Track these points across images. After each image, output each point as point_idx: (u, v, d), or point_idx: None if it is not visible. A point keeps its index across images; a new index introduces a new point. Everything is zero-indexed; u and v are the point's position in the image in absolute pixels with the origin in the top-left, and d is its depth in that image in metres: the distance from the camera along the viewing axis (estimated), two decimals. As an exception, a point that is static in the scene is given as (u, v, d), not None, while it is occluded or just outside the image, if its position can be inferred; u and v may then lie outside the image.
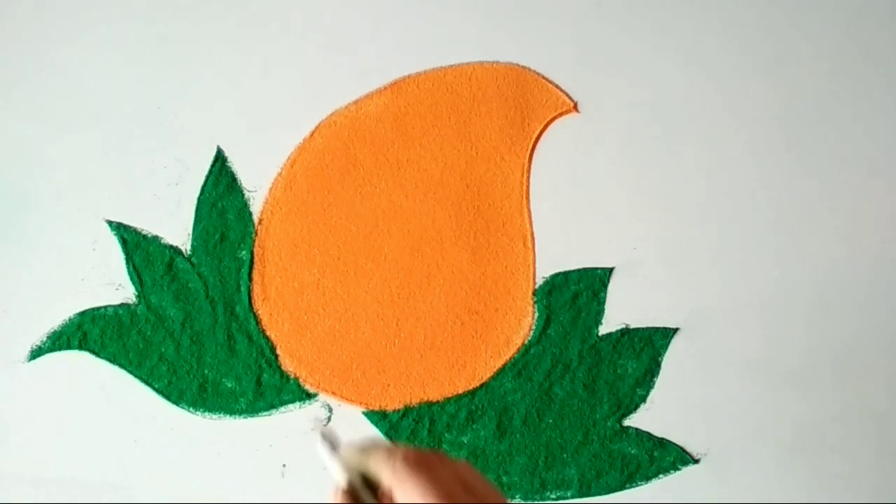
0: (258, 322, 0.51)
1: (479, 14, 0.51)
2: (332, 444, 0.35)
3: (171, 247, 0.51)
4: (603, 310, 0.50)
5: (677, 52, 0.51)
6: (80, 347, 0.51)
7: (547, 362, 0.50)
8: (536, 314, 0.50)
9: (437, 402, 0.50)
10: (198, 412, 0.50)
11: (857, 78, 0.50)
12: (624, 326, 0.50)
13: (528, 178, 0.51)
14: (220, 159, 0.51)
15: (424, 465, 0.34)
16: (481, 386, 0.50)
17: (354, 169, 0.51)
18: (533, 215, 0.51)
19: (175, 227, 0.51)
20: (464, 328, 0.50)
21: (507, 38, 0.51)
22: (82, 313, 0.51)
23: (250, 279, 0.51)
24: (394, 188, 0.51)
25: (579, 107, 0.51)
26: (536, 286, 0.50)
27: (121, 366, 0.51)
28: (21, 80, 0.52)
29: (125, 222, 0.51)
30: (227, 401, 0.50)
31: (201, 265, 0.51)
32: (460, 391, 0.50)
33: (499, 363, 0.50)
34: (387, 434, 0.49)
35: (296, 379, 0.50)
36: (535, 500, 0.50)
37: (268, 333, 0.50)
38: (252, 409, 0.50)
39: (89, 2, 0.52)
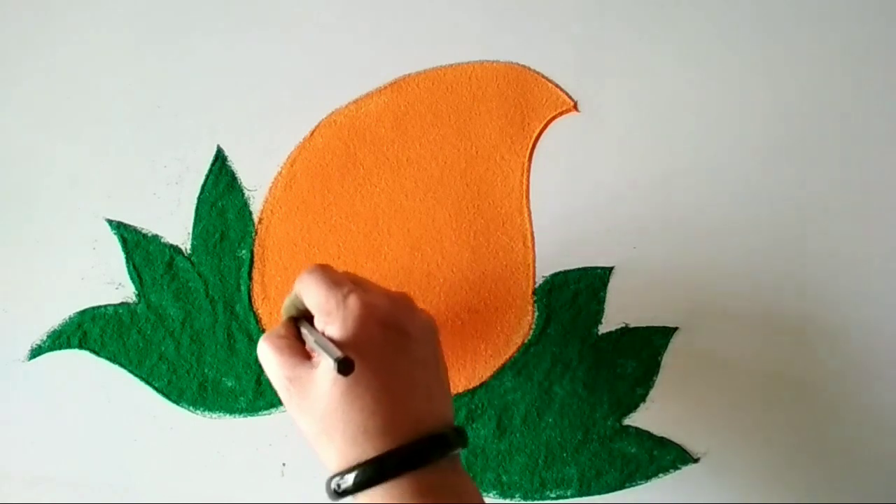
0: (258, 321, 0.51)
1: (478, 13, 0.51)
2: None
3: (171, 246, 0.51)
4: (603, 309, 0.50)
5: (678, 52, 0.51)
6: (80, 346, 0.51)
7: (547, 361, 0.50)
8: (536, 313, 0.50)
9: (437, 401, 0.50)
10: (198, 411, 0.50)
11: (862, 78, 0.50)
12: (624, 326, 0.50)
13: (528, 177, 0.51)
14: (220, 158, 0.51)
15: (318, 266, 0.41)
16: (481, 385, 0.50)
17: (354, 168, 0.51)
18: (533, 215, 0.51)
19: (175, 226, 0.51)
20: (464, 327, 0.50)
21: (507, 37, 0.51)
22: (82, 312, 0.51)
23: (250, 278, 0.51)
24: (394, 188, 0.51)
25: (579, 106, 0.51)
26: (536, 285, 0.50)
27: (121, 365, 0.51)
28: (21, 80, 0.52)
29: (125, 221, 0.51)
30: (227, 400, 0.50)
31: (201, 264, 0.51)
32: (460, 390, 0.50)
33: (498, 362, 0.50)
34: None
35: (296, 378, 0.50)
36: (535, 499, 0.50)
37: (268, 332, 0.50)
38: (252, 409, 0.50)
39: (88, 1, 0.52)
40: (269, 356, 0.40)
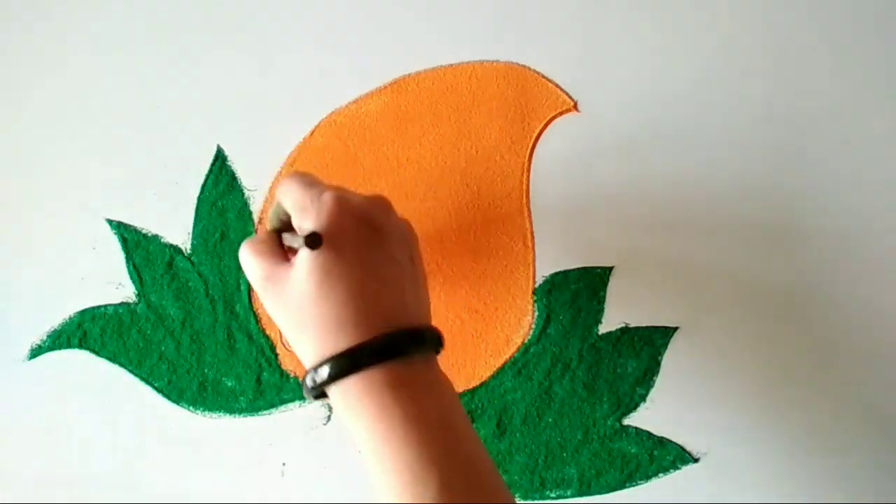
0: (258, 321, 0.51)
1: (478, 13, 0.51)
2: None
3: (171, 246, 0.51)
4: (603, 309, 0.50)
5: (678, 52, 0.51)
6: (80, 346, 0.51)
7: (547, 361, 0.50)
8: (536, 313, 0.50)
9: (437, 401, 0.50)
10: (198, 411, 0.50)
11: (863, 77, 0.50)
12: (624, 325, 0.50)
13: (528, 177, 0.51)
14: (220, 158, 0.51)
15: (298, 171, 0.41)
16: (481, 385, 0.50)
17: (354, 168, 0.51)
18: (533, 214, 0.51)
19: (175, 225, 0.51)
20: (464, 327, 0.50)
21: (507, 37, 0.51)
22: (82, 312, 0.51)
23: (250, 278, 0.51)
24: (394, 187, 0.51)
25: (579, 106, 0.51)
26: (536, 285, 0.50)
27: (121, 365, 0.51)
28: (21, 80, 0.52)
29: (125, 221, 0.51)
30: (226, 400, 0.50)
31: (201, 264, 0.51)
32: (460, 390, 0.50)
33: (498, 362, 0.50)
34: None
35: (295, 377, 0.50)
36: (535, 498, 0.50)
37: (267, 332, 0.50)
38: (252, 408, 0.50)
39: (89, 2, 0.52)
40: (249, 257, 0.41)
